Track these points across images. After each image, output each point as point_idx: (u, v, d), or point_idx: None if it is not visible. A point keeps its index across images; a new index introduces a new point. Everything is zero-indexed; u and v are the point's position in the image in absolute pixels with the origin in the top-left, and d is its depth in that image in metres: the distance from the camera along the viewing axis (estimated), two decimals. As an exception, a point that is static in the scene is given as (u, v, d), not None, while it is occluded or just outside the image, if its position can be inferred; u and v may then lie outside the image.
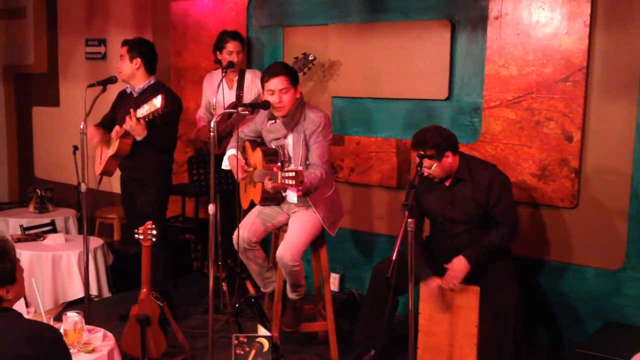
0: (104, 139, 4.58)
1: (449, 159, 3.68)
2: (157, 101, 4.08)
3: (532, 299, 4.11)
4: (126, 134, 4.36)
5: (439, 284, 3.68)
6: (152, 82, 4.55)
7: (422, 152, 3.59)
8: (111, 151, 4.48)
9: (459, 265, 3.63)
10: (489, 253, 3.67)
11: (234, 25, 5.35)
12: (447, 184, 3.79)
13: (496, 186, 3.71)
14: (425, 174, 3.65)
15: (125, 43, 4.58)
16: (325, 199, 3.98)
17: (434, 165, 3.66)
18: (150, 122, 4.24)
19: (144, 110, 4.17)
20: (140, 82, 4.53)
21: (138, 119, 4.20)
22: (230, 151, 4.06)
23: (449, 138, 3.70)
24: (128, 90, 4.63)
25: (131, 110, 4.25)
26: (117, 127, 4.49)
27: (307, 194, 3.87)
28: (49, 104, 7.07)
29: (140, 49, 4.52)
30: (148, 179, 4.53)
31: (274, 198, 3.97)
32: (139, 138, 4.31)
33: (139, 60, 4.49)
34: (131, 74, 4.51)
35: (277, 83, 3.83)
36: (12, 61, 7.40)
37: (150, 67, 4.55)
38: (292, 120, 3.89)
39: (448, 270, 3.65)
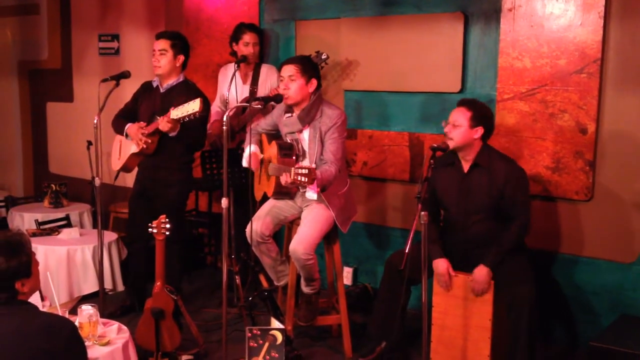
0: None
1: (477, 135, 3.67)
2: (196, 105, 3.96)
3: (546, 292, 4.09)
4: (154, 133, 4.27)
5: (447, 267, 3.72)
6: (181, 79, 4.44)
7: (434, 145, 3.58)
8: (135, 148, 4.38)
9: (480, 275, 3.63)
10: (504, 254, 3.67)
11: (246, 19, 5.34)
12: (465, 170, 3.78)
13: (513, 182, 3.68)
14: (445, 130, 3.69)
15: (166, 36, 4.40)
16: (339, 196, 3.98)
17: (461, 128, 3.66)
18: (183, 123, 4.13)
19: (179, 112, 4.04)
20: (171, 78, 4.42)
21: (173, 120, 4.08)
22: (249, 148, 4.05)
23: (490, 117, 3.77)
24: (154, 84, 4.51)
25: (160, 117, 4.18)
26: (141, 124, 4.36)
27: (323, 190, 3.87)
28: (63, 100, 7.10)
29: (183, 46, 4.41)
30: (172, 178, 4.43)
31: (287, 192, 3.98)
32: (172, 134, 4.22)
33: (182, 57, 4.40)
34: (170, 70, 4.38)
35: (286, 70, 3.91)
36: (26, 57, 7.44)
37: (186, 64, 4.47)
38: (307, 116, 3.89)
39: (472, 281, 3.66)
